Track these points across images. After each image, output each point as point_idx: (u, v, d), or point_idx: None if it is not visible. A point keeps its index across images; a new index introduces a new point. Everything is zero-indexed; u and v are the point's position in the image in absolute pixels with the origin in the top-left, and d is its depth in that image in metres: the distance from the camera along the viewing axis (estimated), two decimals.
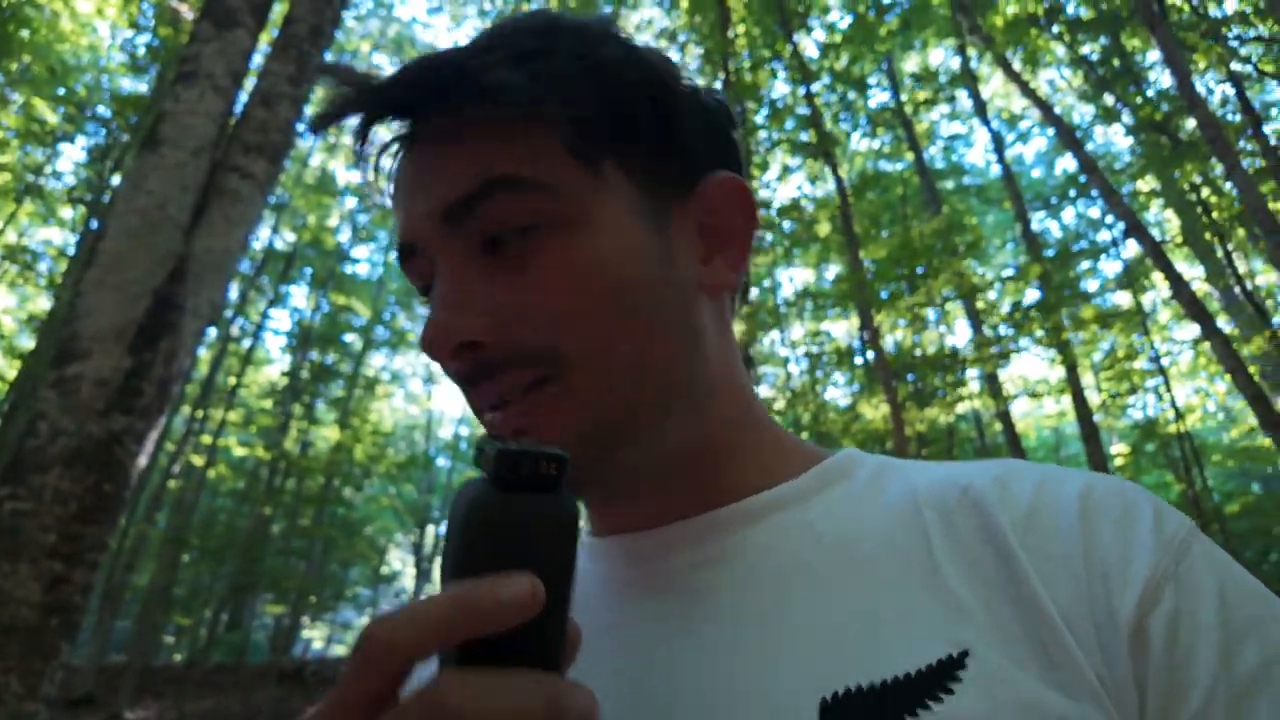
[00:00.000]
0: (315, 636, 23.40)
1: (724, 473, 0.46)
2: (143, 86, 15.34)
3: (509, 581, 0.28)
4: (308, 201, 18.56)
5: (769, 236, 10.73)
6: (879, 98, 11.78)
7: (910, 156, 12.22)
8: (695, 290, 0.44)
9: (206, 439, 16.96)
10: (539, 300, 0.39)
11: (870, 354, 10.20)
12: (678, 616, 0.43)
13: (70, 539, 4.21)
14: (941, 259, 8.81)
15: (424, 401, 26.55)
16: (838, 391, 13.93)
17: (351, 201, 20.00)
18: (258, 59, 6.26)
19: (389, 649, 0.27)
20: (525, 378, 0.40)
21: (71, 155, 17.47)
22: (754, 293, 11.20)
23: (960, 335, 16.41)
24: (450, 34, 19.50)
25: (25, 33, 14.66)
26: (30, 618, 3.85)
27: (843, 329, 15.34)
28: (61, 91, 16.05)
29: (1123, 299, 12.88)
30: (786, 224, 10.46)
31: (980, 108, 12.01)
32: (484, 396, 0.41)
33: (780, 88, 10.64)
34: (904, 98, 11.58)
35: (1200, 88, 8.91)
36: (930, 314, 11.09)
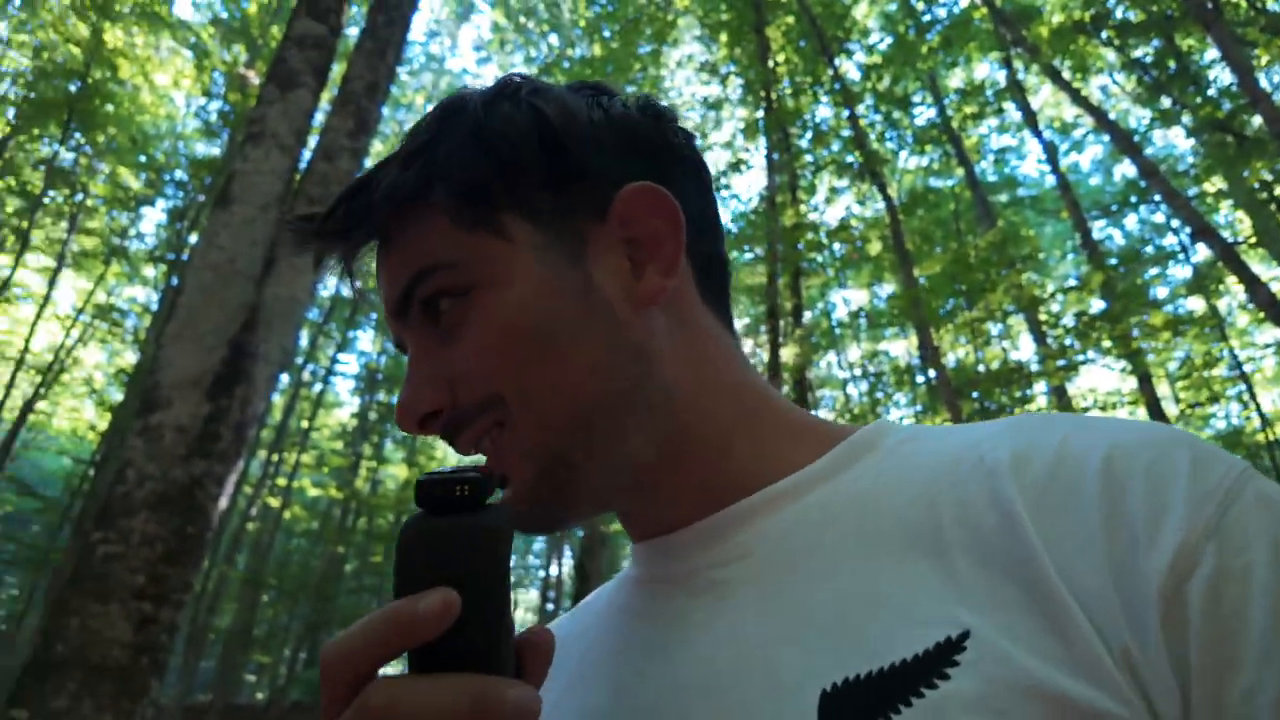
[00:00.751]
0: (390, 673, 23.71)
1: (722, 468, 0.47)
2: (215, 150, 16.27)
3: (425, 596, 0.32)
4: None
5: (819, 258, 10.69)
6: (925, 115, 11.71)
7: (960, 172, 12.05)
8: (630, 307, 0.46)
9: (281, 481, 17.58)
10: (473, 362, 0.44)
11: (931, 372, 10.01)
12: (699, 612, 0.45)
13: (157, 580, 4.44)
14: (998, 272, 8.62)
15: None
16: (900, 412, 13.66)
17: None
18: (320, 116, 6.61)
19: (341, 662, 0.32)
20: (485, 425, 0.44)
21: (152, 217, 18.61)
22: (807, 316, 11.15)
23: (1025, 349, 15.93)
24: None
25: (110, 107, 15.76)
26: (121, 657, 4.06)
27: (902, 348, 15.09)
28: (143, 159, 17.15)
29: (1195, 305, 12.35)
30: (837, 246, 10.41)
31: (1030, 118, 11.79)
32: (465, 448, 0.45)
33: (823, 111, 10.68)
34: (950, 113, 11.46)
35: (1264, 83, 8.59)
36: (992, 329, 10.82)
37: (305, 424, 18.44)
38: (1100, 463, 0.40)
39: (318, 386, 19.48)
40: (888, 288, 13.39)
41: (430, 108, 0.49)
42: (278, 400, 19.11)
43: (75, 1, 12.99)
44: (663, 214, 0.46)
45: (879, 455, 0.47)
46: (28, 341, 16.90)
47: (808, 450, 0.47)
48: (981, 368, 10.21)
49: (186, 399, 5.09)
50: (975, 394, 9.09)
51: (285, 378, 19.16)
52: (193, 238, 15.58)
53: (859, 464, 0.46)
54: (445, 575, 0.32)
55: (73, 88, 14.92)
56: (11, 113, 16.11)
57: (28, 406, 16.66)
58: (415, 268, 0.45)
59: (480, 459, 0.41)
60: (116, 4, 13.10)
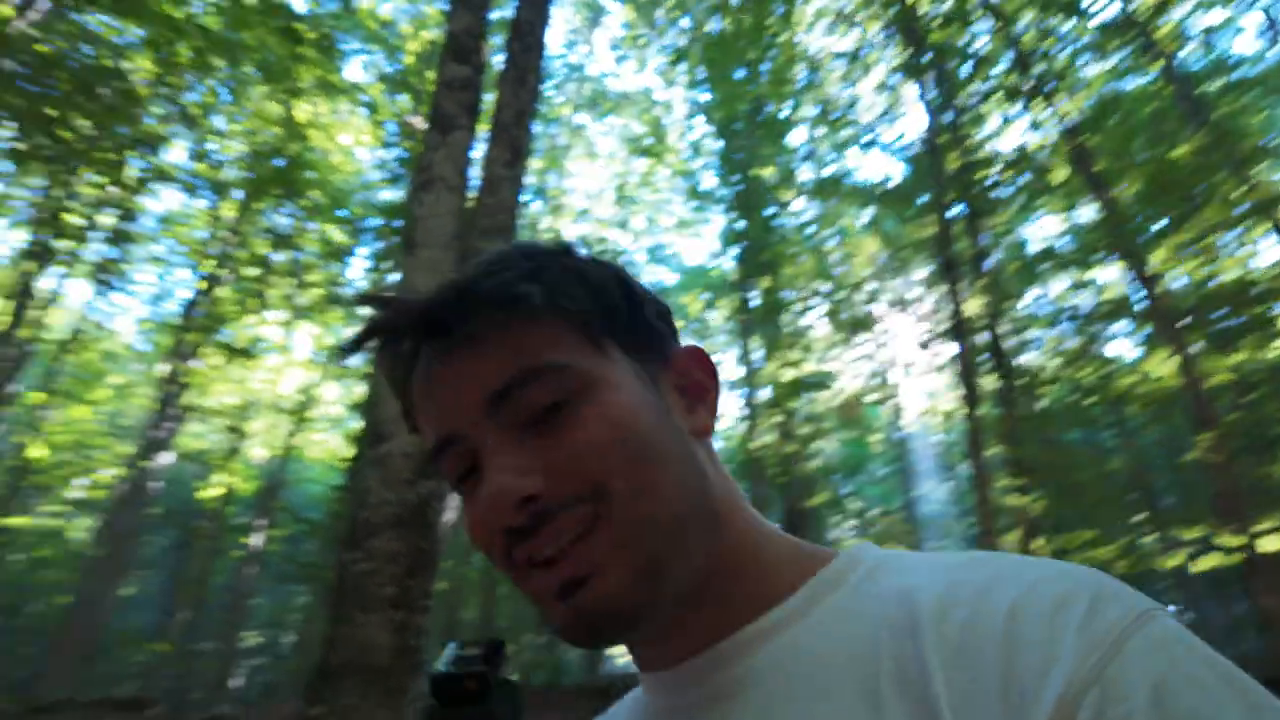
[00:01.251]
0: (620, 655, 25.03)
1: (734, 592, 0.50)
2: (399, 193, 17.88)
3: None
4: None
5: (997, 195, 9.81)
6: (1103, 9, 10.30)
7: (1157, 66, 10.49)
8: (687, 436, 0.52)
9: None
10: (581, 450, 0.46)
11: (1149, 299, 8.89)
12: None
13: (404, 591, 5.04)
14: (1218, 175, 7.45)
15: None
16: (1121, 346, 12.22)
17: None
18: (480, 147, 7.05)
19: None
20: (579, 517, 0.45)
21: (358, 265, 20.82)
22: (992, 261, 10.25)
23: (1271, 258, 13.62)
24: (638, 77, 20.43)
25: (309, 174, 17.84)
26: (384, 660, 4.66)
27: (1115, 275, 13.50)
28: (342, 214, 19.25)
29: None
30: (1017, 178, 9.50)
31: None
32: (539, 548, 0.45)
33: (979, 42, 9.75)
34: (1135, 3, 10.00)
35: None
36: (1225, 239, 9.39)
37: None
38: (1005, 616, 0.41)
39: None
40: (1088, 211, 12.03)
41: (496, 249, 0.54)
42: None
43: (270, 88, 14.81)
44: (709, 369, 0.55)
45: (845, 592, 0.50)
46: (279, 387, 19.61)
47: (793, 577, 0.51)
48: (1214, 286, 8.88)
49: (400, 430, 5.71)
50: (1209, 316, 7.95)
51: None
52: (390, 277, 17.26)
53: (829, 599, 0.49)
54: None
55: (279, 163, 17.06)
56: (240, 194, 18.74)
57: (288, 446, 19.35)
58: (520, 366, 0.47)
59: (475, 651, 0.44)
60: (300, 82, 14.78)
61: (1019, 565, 0.45)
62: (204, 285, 20.65)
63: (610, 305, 0.52)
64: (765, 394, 16.04)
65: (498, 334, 0.48)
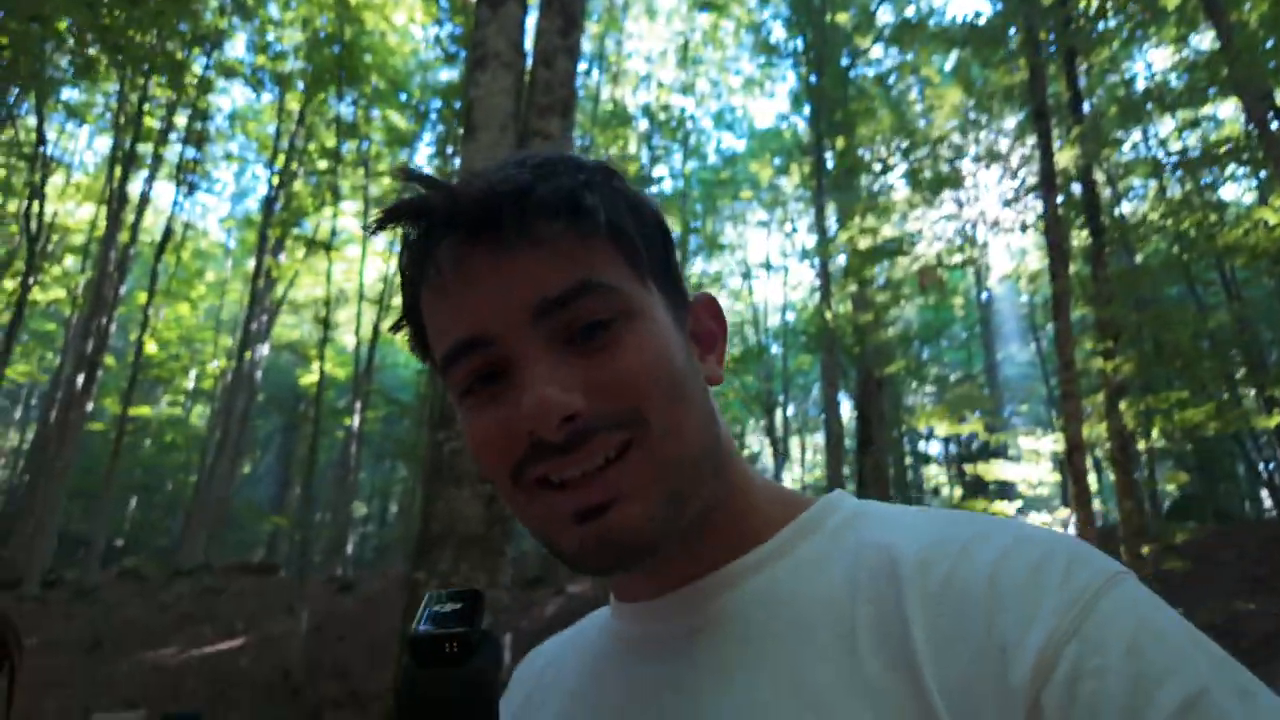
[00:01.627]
0: None
1: (722, 532, 0.52)
2: (456, 73, 17.50)
3: None
4: (606, 136, 19.84)
5: (1102, 25, 8.83)
6: None
7: None
8: (703, 380, 0.53)
9: None
10: (624, 376, 0.46)
11: (1268, 139, 8.04)
12: (669, 677, 0.50)
13: None
14: None
15: (745, 296, 27.35)
16: (1235, 189, 11.24)
17: (644, 124, 20.88)
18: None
19: None
20: (614, 441, 0.45)
21: (424, 151, 20.79)
22: (1091, 103, 9.37)
23: None
24: None
25: (367, 57, 17.59)
26: (477, 529, 5.01)
27: (1231, 112, 12.21)
28: (403, 97, 19.06)
29: None
30: (1119, 7, 8.51)
31: None
32: (566, 467, 0.45)
33: None
34: None
35: None
36: None
37: None
38: (986, 574, 0.43)
39: None
40: (1202, 41, 10.77)
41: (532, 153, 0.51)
42: None
43: None
44: (720, 320, 0.56)
45: (823, 536, 0.51)
46: (361, 277, 20.26)
47: (775, 520, 0.53)
48: None
49: None
50: None
51: None
52: (455, 163, 17.19)
53: (804, 545, 0.51)
54: (441, 716, 0.38)
55: (336, 49, 16.85)
56: (302, 85, 18.71)
57: (375, 331, 20.19)
58: (578, 278, 0.45)
59: (458, 595, 0.43)
60: None
61: (997, 526, 0.47)
62: (278, 180, 21.11)
63: (654, 240, 0.51)
64: (841, 262, 15.62)
65: (554, 242, 0.45)
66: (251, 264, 23.58)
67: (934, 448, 28.08)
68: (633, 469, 0.45)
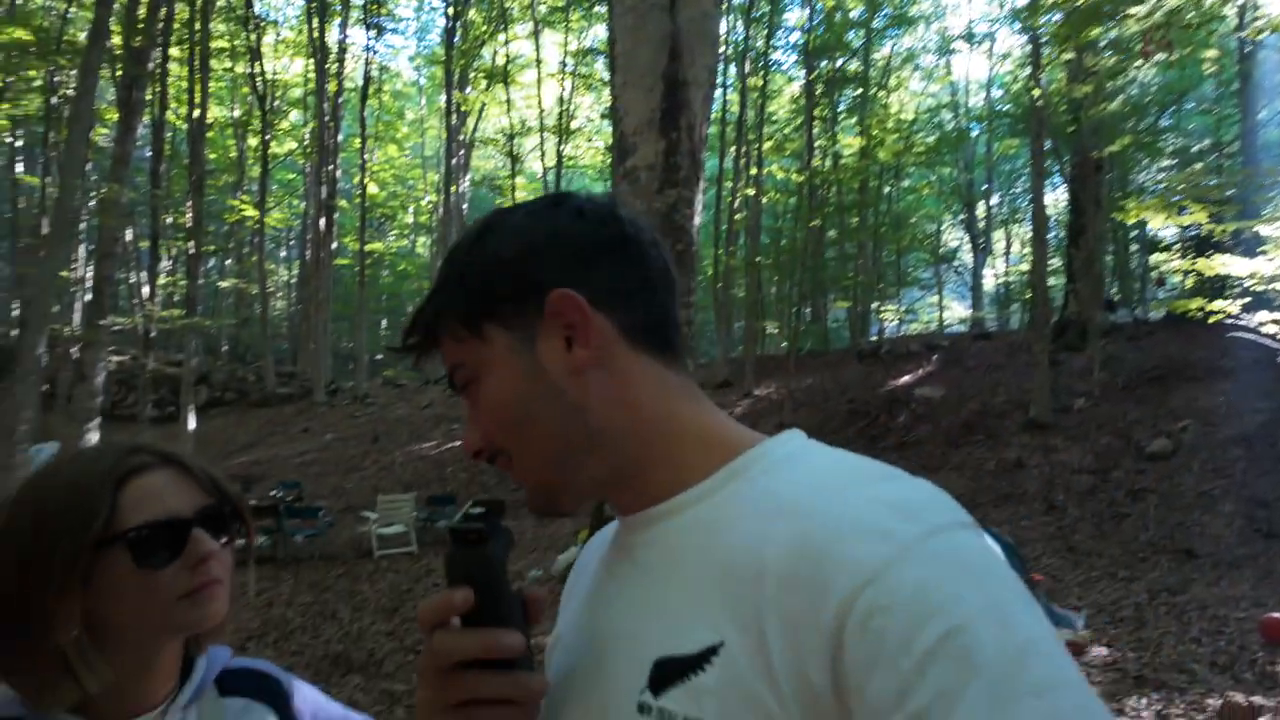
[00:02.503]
0: (889, 319, 25.72)
1: (649, 480, 0.64)
2: None
3: (456, 592, 0.57)
4: None
5: None
6: None
7: None
8: (569, 375, 0.63)
9: (753, 170, 19.23)
10: (484, 426, 0.66)
11: None
12: (621, 577, 0.65)
13: None
14: None
15: (942, 76, 24.52)
16: None
17: None
18: None
19: (423, 619, 0.58)
20: (504, 461, 0.66)
21: None
22: None
23: None
24: None
25: None
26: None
27: None
28: None
29: None
30: None
31: None
32: (503, 468, 0.66)
33: None
34: None
35: None
36: None
37: (752, 113, 19.28)
38: (818, 546, 0.52)
39: (758, 79, 19.85)
40: None
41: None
42: (732, 96, 20.22)
43: None
44: (573, 309, 0.63)
45: (743, 483, 0.61)
46: (541, 104, 20.70)
47: (708, 461, 0.63)
48: None
49: (646, 140, 6.12)
50: None
51: (731, 69, 19.95)
52: None
53: (727, 489, 0.61)
54: (467, 580, 0.58)
55: None
56: None
57: (559, 158, 20.86)
58: (447, 365, 0.67)
59: (488, 498, 0.65)
60: None
61: (868, 500, 0.54)
62: (454, 11, 21.48)
63: (485, 292, 0.65)
64: (1055, 21, 13.53)
65: (436, 344, 0.69)
66: (443, 100, 24.71)
67: (1170, 231, 24.80)
68: (516, 472, 0.66)
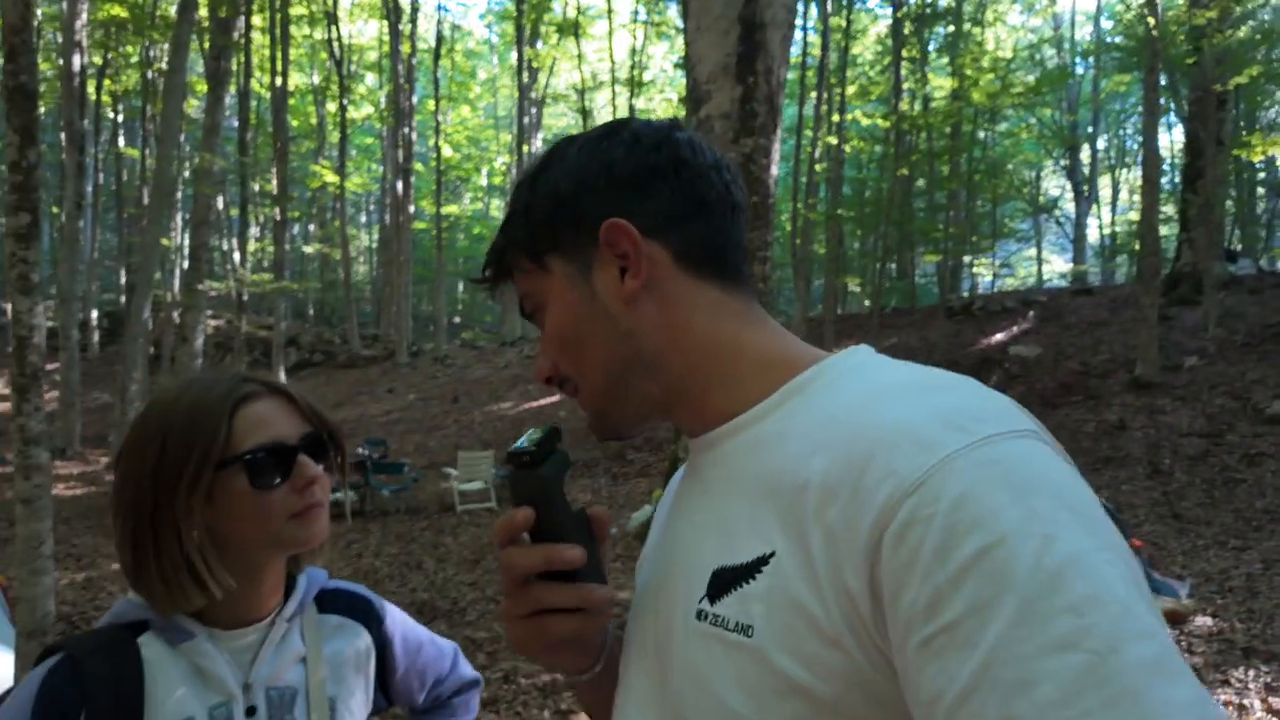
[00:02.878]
0: (982, 273, 24.56)
1: (707, 402, 0.66)
2: None
3: (519, 511, 0.63)
4: None
5: None
6: None
7: None
8: (622, 304, 0.65)
9: (835, 117, 18.39)
10: (549, 354, 0.69)
11: None
12: (690, 496, 0.69)
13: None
14: None
15: (1045, 8, 22.71)
16: None
17: None
18: None
19: (497, 535, 0.64)
20: (570, 386, 0.69)
21: None
22: None
23: None
24: None
25: None
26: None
27: None
28: None
29: None
30: None
31: None
32: (569, 393, 0.71)
33: None
34: None
35: None
36: None
37: (834, 56, 18.36)
38: (861, 455, 0.52)
39: (840, 19, 18.85)
40: None
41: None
42: (814, 39, 19.30)
43: None
44: (625, 239, 0.64)
45: (801, 399, 0.62)
46: (612, 56, 20.32)
47: (769, 381, 0.64)
48: None
49: (721, 88, 5.80)
50: None
51: (813, 9, 19.01)
52: None
53: (785, 406, 0.62)
54: (527, 500, 0.64)
55: None
56: None
57: (631, 111, 20.48)
58: (519, 295, 0.71)
59: (546, 426, 0.69)
60: None
61: (888, 401, 0.55)
62: None
63: (547, 225, 0.67)
64: None
65: (508, 276, 0.72)
66: (514, 57, 24.58)
67: None
68: (581, 397, 0.70)
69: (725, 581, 0.57)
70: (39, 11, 22.24)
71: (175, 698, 0.86)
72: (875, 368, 0.62)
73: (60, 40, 17.67)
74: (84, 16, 14.33)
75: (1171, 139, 20.92)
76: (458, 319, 31.00)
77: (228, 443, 0.86)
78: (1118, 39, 19.34)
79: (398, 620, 1.11)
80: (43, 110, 23.40)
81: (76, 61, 13.82)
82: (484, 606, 6.06)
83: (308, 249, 28.56)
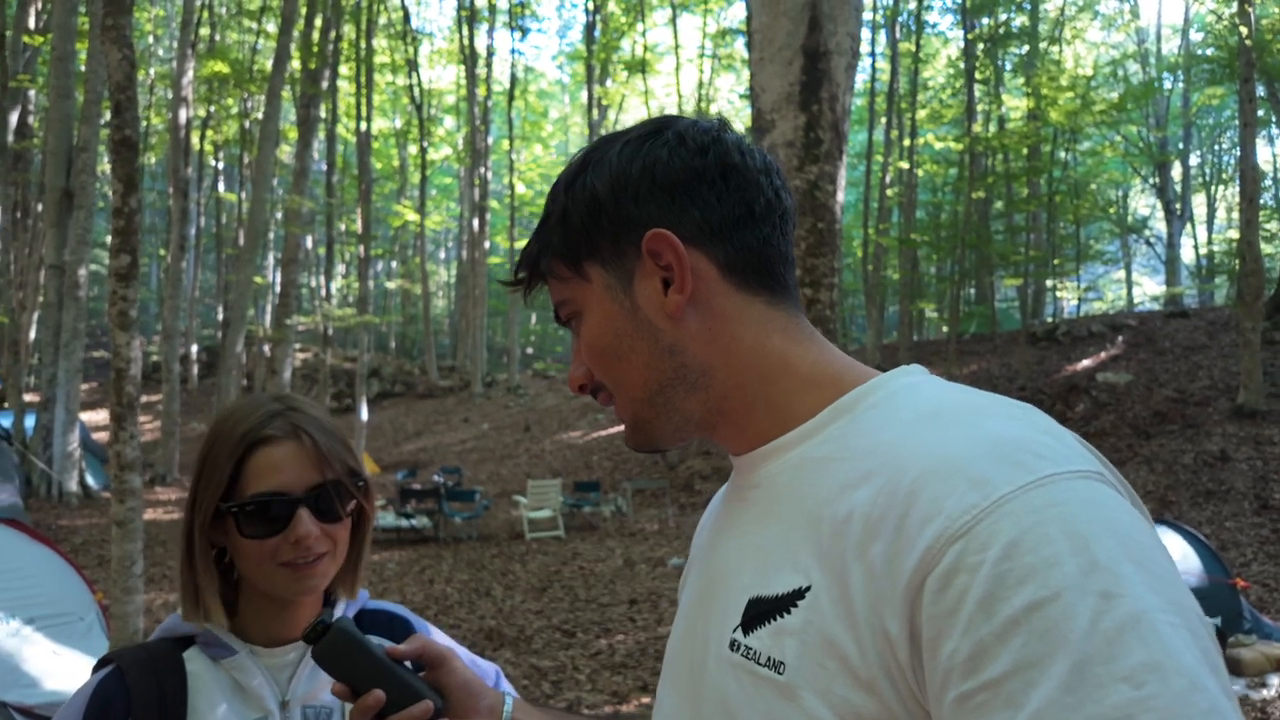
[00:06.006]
0: (1067, 297, 23.51)
1: (752, 421, 0.63)
2: None
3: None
4: None
5: None
6: None
7: None
8: (664, 318, 0.62)
9: (906, 142, 18.10)
10: (586, 363, 0.66)
11: None
12: (731, 518, 0.66)
13: (810, 270, 5.55)
14: None
15: (1127, 23, 21.85)
16: None
17: None
18: None
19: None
20: (605, 396, 0.67)
21: None
22: None
23: None
24: None
25: None
26: None
27: None
28: None
29: None
30: None
31: None
32: (605, 402, 0.68)
33: None
34: None
35: None
36: None
37: (905, 81, 18.12)
38: (906, 488, 0.49)
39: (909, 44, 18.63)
40: None
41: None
42: (882, 65, 19.12)
43: None
44: (669, 251, 0.61)
45: (849, 420, 0.59)
46: (679, 90, 20.60)
47: (816, 401, 0.61)
48: None
49: (785, 116, 5.81)
50: None
51: (881, 35, 18.84)
52: None
53: (831, 427, 0.59)
54: (348, 665, 0.70)
55: None
56: None
57: None
58: (554, 302, 0.68)
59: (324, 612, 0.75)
60: None
61: (933, 438, 0.51)
62: (594, 5, 21.79)
63: (584, 232, 0.64)
64: None
65: (544, 281, 0.69)
66: (584, 96, 25.22)
67: None
68: (616, 407, 0.67)
69: (760, 612, 0.55)
70: (152, 71, 24.24)
71: (215, 711, 0.90)
72: (929, 388, 0.59)
73: (170, 95, 19.12)
74: (190, 73, 15.47)
75: (1274, 152, 19.70)
76: (530, 349, 31.61)
77: (233, 486, 0.89)
78: (1208, 50, 18.43)
79: (439, 641, 1.14)
80: (153, 160, 25.39)
81: (183, 114, 14.90)
82: (550, 635, 6.08)
83: (390, 284, 29.73)
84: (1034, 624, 0.41)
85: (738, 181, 0.63)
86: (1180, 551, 5.11)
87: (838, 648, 0.49)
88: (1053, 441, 0.49)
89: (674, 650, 0.68)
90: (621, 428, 0.83)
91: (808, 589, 0.52)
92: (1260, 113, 14.08)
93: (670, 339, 0.62)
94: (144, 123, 20.95)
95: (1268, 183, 19.00)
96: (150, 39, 25.49)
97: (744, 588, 0.58)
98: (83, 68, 12.35)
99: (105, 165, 16.44)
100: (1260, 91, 13.30)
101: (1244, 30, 11.46)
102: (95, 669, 0.91)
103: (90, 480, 12.47)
